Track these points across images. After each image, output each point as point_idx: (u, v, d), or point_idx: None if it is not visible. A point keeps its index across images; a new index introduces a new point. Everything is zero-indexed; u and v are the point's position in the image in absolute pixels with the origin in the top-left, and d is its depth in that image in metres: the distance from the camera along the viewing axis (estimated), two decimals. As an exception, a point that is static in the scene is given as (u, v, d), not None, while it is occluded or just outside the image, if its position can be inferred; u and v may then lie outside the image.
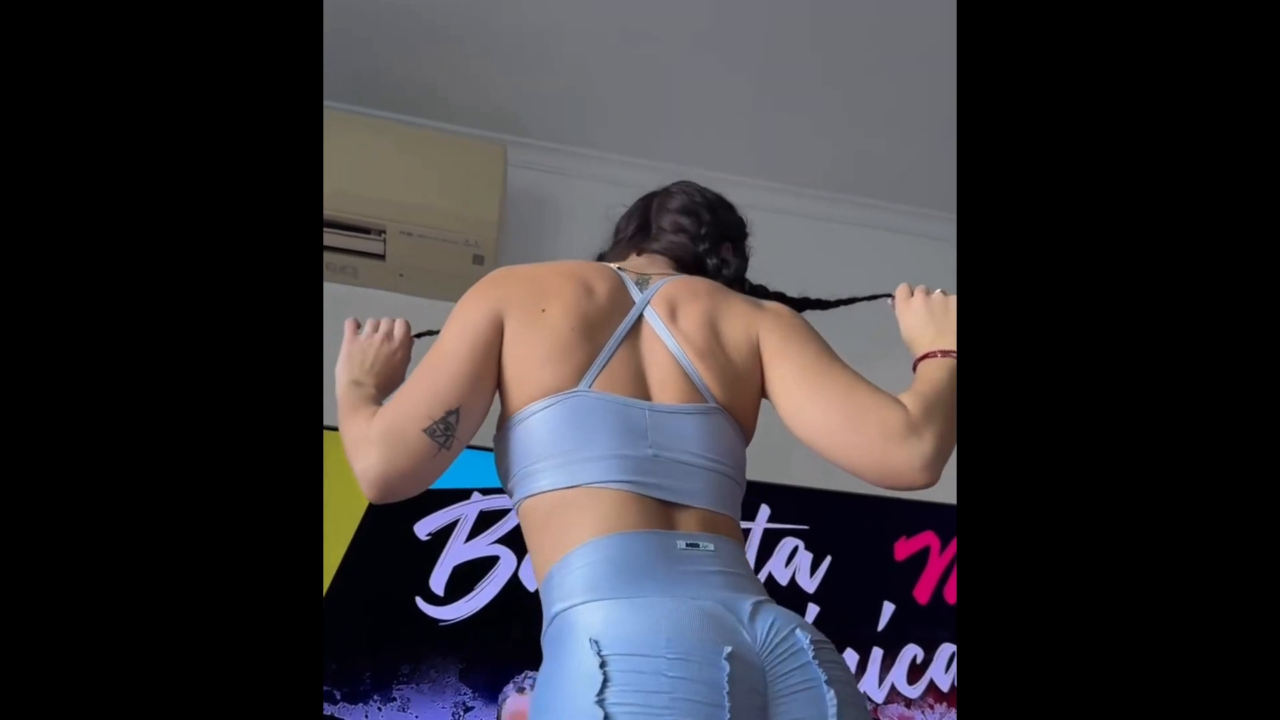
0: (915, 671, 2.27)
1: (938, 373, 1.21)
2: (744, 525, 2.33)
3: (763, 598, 1.10)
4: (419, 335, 1.41)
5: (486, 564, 2.05)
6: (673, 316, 1.23)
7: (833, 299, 1.44)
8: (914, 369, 1.25)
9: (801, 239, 2.66)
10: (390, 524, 2.02)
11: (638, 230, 1.40)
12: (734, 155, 2.73)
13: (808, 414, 1.18)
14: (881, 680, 2.26)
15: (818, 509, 2.29)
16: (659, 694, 0.97)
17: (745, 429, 1.24)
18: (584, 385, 1.16)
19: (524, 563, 2.06)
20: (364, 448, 1.13)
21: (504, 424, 1.19)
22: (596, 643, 1.00)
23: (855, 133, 2.68)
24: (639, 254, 1.37)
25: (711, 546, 1.12)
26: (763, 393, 1.24)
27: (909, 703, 2.25)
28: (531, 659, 1.98)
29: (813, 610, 2.25)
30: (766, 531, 2.29)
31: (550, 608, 1.09)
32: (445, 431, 1.13)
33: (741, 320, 1.25)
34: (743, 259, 1.41)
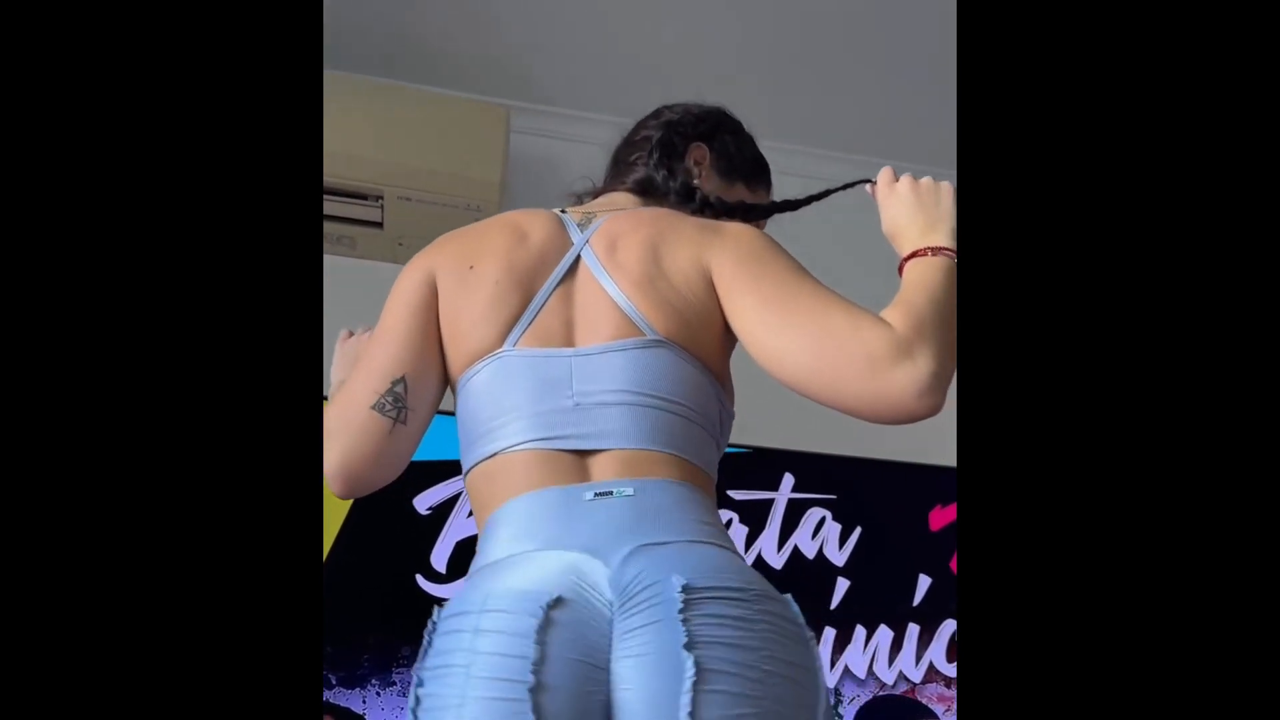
0: (955, 648, 2.14)
1: (930, 274, 1.04)
2: (767, 495, 2.24)
3: (663, 539, 0.95)
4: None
5: (491, 539, 1.93)
6: (611, 252, 1.11)
7: (803, 197, 1.28)
8: (899, 271, 1.09)
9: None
10: (388, 498, 1.90)
11: (609, 171, 1.31)
12: (745, 117, 2.64)
13: (776, 347, 1.02)
14: (919, 658, 2.14)
15: (845, 477, 2.18)
16: (460, 651, 0.90)
17: (708, 365, 1.09)
18: (508, 344, 1.08)
19: (532, 537, 1.95)
20: (326, 439, 1.06)
21: (454, 395, 1.13)
22: (437, 609, 0.97)
23: (873, 93, 2.60)
24: (609, 191, 1.27)
25: (630, 490, 0.99)
26: (727, 329, 1.09)
27: (949, 681, 2.13)
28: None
29: (842, 585, 2.13)
30: (791, 502, 2.17)
31: None
32: (395, 404, 1.07)
33: (690, 247, 1.10)
34: (725, 158, 1.28)
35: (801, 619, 0.95)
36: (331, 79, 2.32)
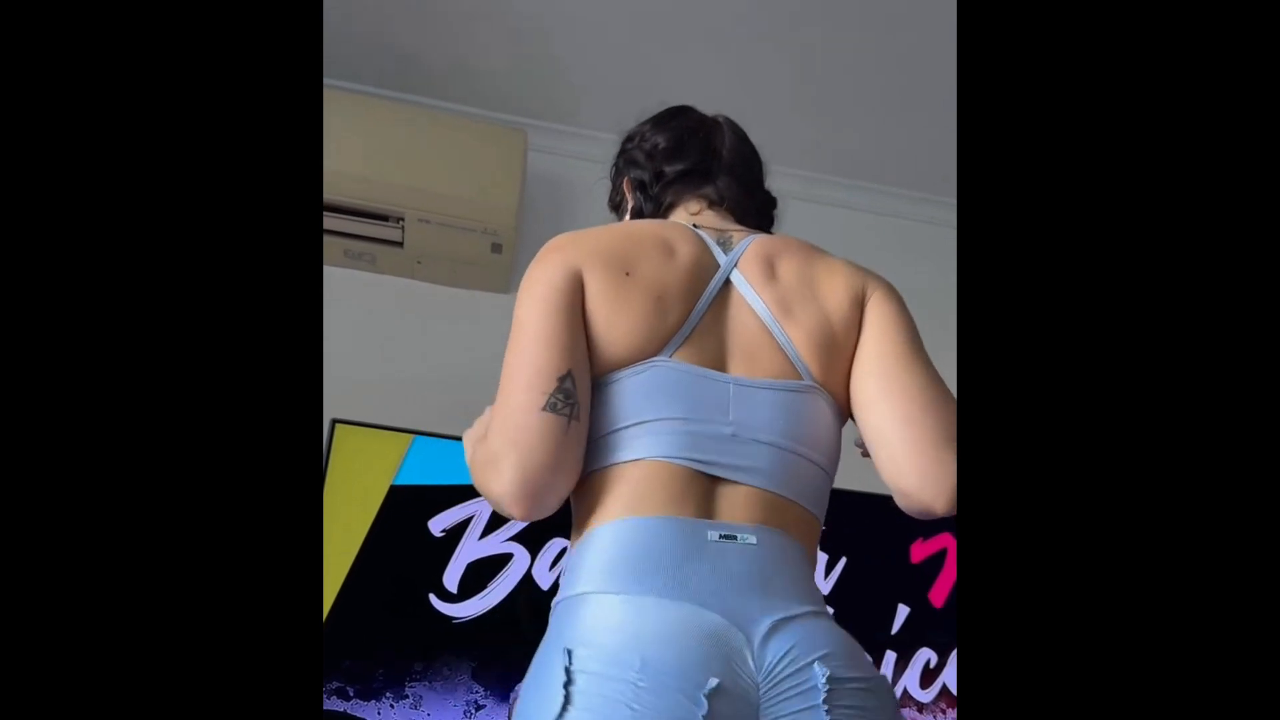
0: (928, 676, 2.26)
1: None
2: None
3: (794, 613, 0.95)
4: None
5: (500, 561, 2.04)
6: (766, 282, 1.10)
7: None
8: None
9: (825, 226, 2.62)
10: (405, 520, 2.01)
11: (696, 171, 1.23)
12: (755, 140, 2.68)
13: (879, 400, 1.06)
14: (894, 684, 2.25)
15: (834, 509, 2.24)
16: None
17: (842, 411, 1.10)
18: (665, 354, 1.05)
19: (537, 560, 2.05)
20: (492, 465, 1.00)
21: None
22: (569, 653, 0.90)
23: (877, 120, 2.63)
24: (701, 203, 1.22)
25: (753, 539, 0.98)
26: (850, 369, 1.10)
27: (921, 707, 2.24)
28: (544, 658, 1.98)
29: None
30: (782, 531, 2.27)
31: (560, 590, 1.01)
32: (566, 400, 1.00)
33: (844, 280, 1.12)
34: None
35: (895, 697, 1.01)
36: (358, 100, 2.40)
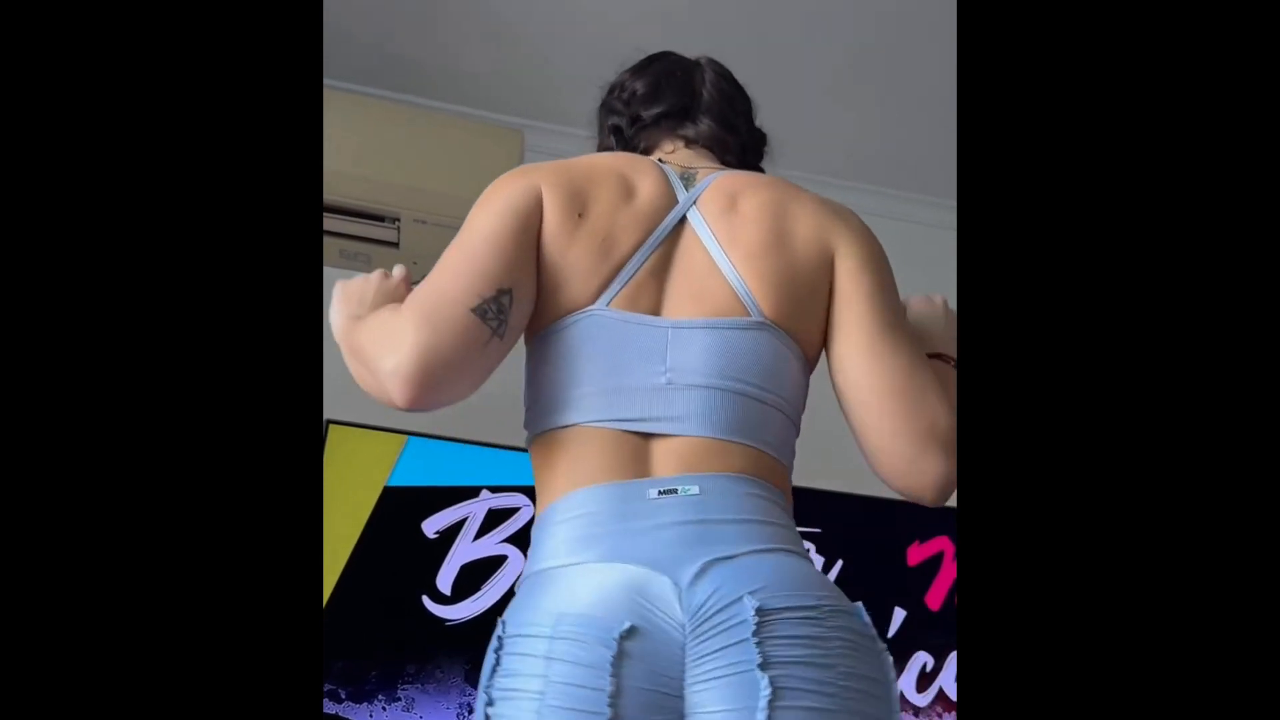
0: (925, 679, 2.26)
1: (954, 385, 1.04)
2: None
3: (732, 553, 0.91)
4: (417, 282, 1.30)
5: (494, 563, 2.03)
6: (722, 217, 1.05)
7: None
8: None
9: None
10: (398, 522, 2.01)
11: (673, 113, 1.18)
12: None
13: (866, 376, 1.01)
14: (890, 687, 2.24)
15: (830, 512, 2.27)
16: (534, 676, 0.86)
17: (806, 352, 1.05)
18: (601, 303, 1.00)
19: (532, 562, 2.05)
20: (395, 336, 0.94)
21: (527, 344, 1.05)
22: (503, 624, 0.91)
23: (879, 122, 2.63)
24: (677, 143, 1.17)
25: (695, 489, 0.94)
26: (827, 317, 1.06)
27: (917, 711, 2.24)
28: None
29: (822, 615, 2.22)
30: (778, 534, 2.26)
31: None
32: (498, 313, 0.95)
33: (814, 222, 1.06)
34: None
35: (872, 629, 0.94)
36: (353, 100, 2.39)
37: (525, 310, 1.00)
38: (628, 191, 1.05)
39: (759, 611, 0.87)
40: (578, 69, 2.57)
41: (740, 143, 1.20)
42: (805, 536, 2.28)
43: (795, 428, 1.06)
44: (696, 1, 2.33)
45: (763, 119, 1.42)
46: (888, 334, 1.03)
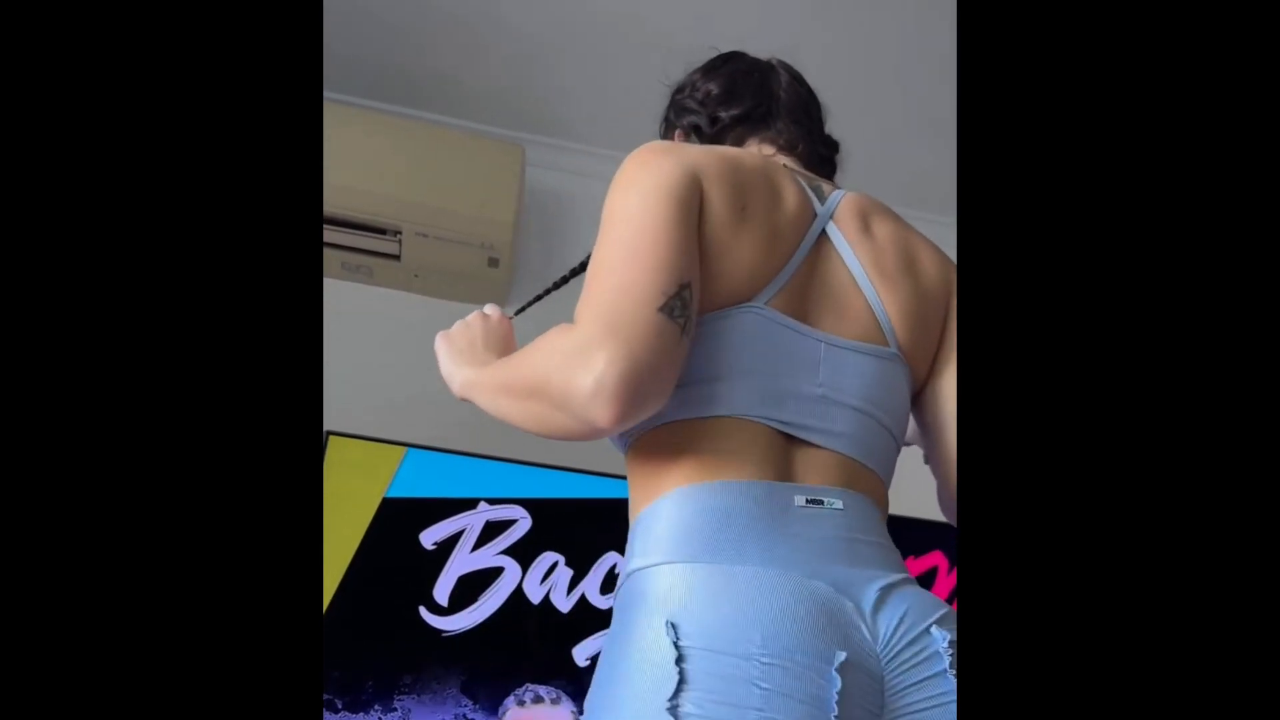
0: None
1: None
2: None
3: (893, 579, 0.90)
4: (518, 312, 1.24)
5: (491, 575, 2.04)
6: (862, 238, 1.04)
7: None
8: None
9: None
10: (396, 532, 2.02)
11: (753, 115, 1.15)
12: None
13: (948, 437, 1.05)
14: (884, 701, 2.24)
15: (826, 527, 2.27)
16: (749, 710, 0.78)
17: (915, 387, 1.07)
18: (760, 301, 0.96)
19: (529, 574, 2.05)
20: (579, 356, 0.84)
21: None
22: (674, 628, 0.81)
23: (894, 143, 2.64)
24: (771, 147, 1.14)
25: (839, 504, 0.92)
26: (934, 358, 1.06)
27: None
28: (534, 672, 1.98)
29: (818, 629, 2.23)
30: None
31: (627, 563, 0.91)
32: (683, 310, 0.88)
33: (935, 257, 1.08)
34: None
35: None
36: (355, 114, 2.41)
37: (698, 307, 0.93)
38: (776, 193, 1.02)
39: (952, 644, 0.87)
40: (579, 85, 2.62)
41: (819, 151, 1.18)
42: (801, 551, 2.30)
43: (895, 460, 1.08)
44: (703, 16, 2.35)
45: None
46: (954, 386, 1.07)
